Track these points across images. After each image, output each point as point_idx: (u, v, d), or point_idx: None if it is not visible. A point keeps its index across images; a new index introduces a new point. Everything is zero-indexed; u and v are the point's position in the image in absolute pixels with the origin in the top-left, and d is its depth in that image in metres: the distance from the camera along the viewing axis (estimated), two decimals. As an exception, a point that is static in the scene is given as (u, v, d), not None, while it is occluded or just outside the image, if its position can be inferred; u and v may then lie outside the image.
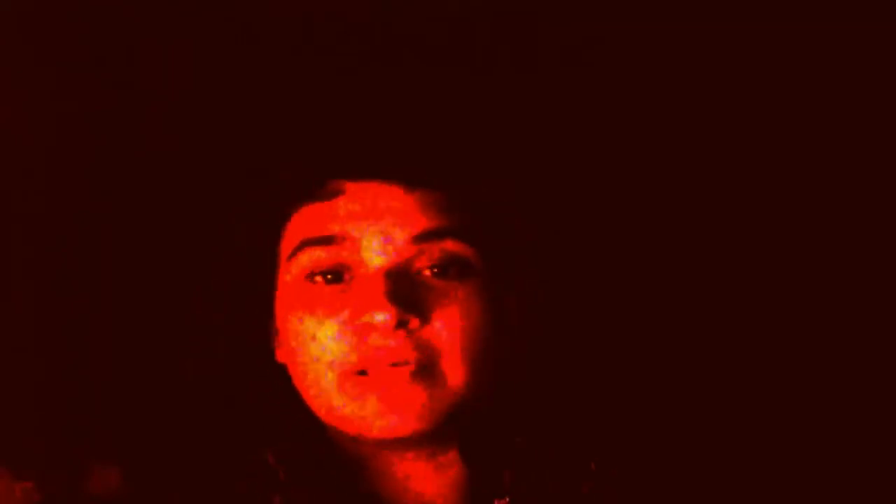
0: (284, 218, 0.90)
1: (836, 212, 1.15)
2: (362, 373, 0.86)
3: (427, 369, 0.86)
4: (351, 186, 0.88)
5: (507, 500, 0.89)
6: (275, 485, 0.89)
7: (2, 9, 1.05)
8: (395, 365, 0.85)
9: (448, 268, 0.88)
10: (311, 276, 0.88)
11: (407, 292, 0.86)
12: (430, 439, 0.88)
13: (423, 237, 0.87)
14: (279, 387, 0.91)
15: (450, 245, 0.88)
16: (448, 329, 0.86)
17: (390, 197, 0.88)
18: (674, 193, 1.13)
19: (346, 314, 0.86)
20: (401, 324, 0.85)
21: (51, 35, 1.06)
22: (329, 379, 0.86)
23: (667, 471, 0.97)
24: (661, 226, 1.13)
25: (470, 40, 1.10)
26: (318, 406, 0.88)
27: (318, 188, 0.89)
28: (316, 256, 0.88)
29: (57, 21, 1.07)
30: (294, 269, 0.89)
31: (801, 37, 1.14)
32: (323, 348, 0.86)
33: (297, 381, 0.90)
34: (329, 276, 0.88)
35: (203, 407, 0.97)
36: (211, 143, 1.07)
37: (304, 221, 0.89)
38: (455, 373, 0.86)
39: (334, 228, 0.88)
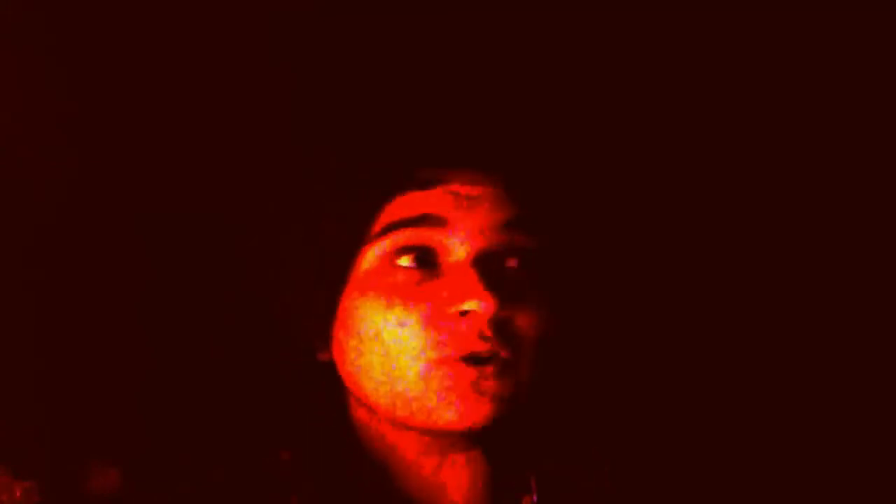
0: (377, 208, 0.89)
1: (855, 213, 1.15)
2: (447, 364, 0.84)
3: (511, 365, 0.85)
4: (446, 175, 0.88)
5: (535, 499, 0.89)
6: (292, 484, 0.89)
7: (2, 9, 1.05)
8: (484, 360, 0.84)
9: (529, 262, 0.87)
10: (399, 252, 0.87)
11: (501, 284, 0.85)
12: (477, 435, 0.87)
13: (512, 225, 0.87)
14: (297, 386, 0.92)
15: (531, 240, 0.88)
16: (531, 322, 0.86)
17: (484, 187, 0.87)
18: (724, 201, 1.14)
19: (438, 301, 0.85)
20: (499, 312, 0.84)
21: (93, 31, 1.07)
22: (414, 368, 0.85)
23: (690, 472, 0.97)
24: (707, 234, 1.13)
25: (565, 39, 1.09)
26: (387, 396, 0.86)
27: (414, 177, 0.88)
28: (406, 235, 0.87)
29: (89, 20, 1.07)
30: (380, 248, 0.87)
31: (804, 36, 1.14)
32: (412, 335, 0.85)
33: (355, 373, 0.88)
34: (417, 261, 0.87)
35: (221, 406, 0.98)
36: (299, 135, 1.06)
37: (398, 208, 0.88)
38: (529, 366, 0.86)
39: (429, 209, 0.87)
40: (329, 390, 0.93)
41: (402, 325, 0.85)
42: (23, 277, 1.04)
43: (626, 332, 1.07)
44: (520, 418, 0.88)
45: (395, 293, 0.86)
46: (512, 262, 0.87)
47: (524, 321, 0.86)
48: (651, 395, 1.08)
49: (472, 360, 0.84)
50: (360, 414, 0.91)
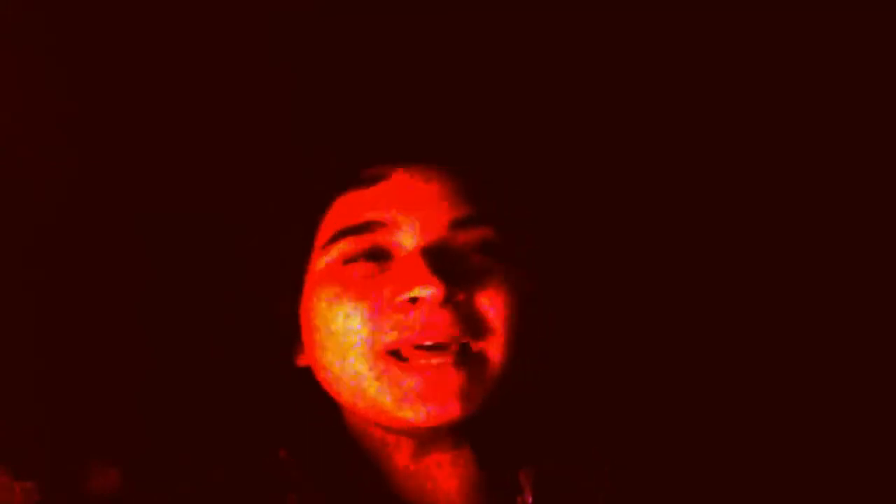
0: (323, 208, 0.88)
1: (849, 211, 1.15)
2: (402, 358, 0.83)
3: (470, 351, 0.83)
4: (390, 172, 0.87)
5: (530, 499, 0.88)
6: (289, 483, 0.88)
7: (2, 9, 1.05)
8: (438, 347, 0.82)
9: (488, 249, 0.86)
10: (347, 261, 0.86)
11: (451, 267, 0.83)
12: (459, 432, 0.85)
13: (462, 222, 0.86)
14: (295, 389, 0.91)
15: (486, 232, 0.86)
16: (494, 305, 0.84)
17: (429, 182, 0.86)
18: (701, 190, 1.13)
19: (386, 292, 0.84)
20: (448, 297, 0.82)
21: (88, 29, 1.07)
22: (365, 364, 0.83)
23: (684, 470, 0.97)
24: (687, 225, 1.13)
25: (512, 27, 1.09)
26: (350, 395, 0.85)
27: (356, 175, 0.87)
28: (353, 243, 0.86)
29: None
30: (330, 255, 0.87)
31: (802, 35, 1.14)
32: (360, 326, 0.83)
33: (324, 376, 0.87)
34: (367, 256, 0.85)
35: (217, 406, 0.98)
36: (247, 134, 1.07)
37: (342, 211, 0.87)
38: (499, 353, 0.84)
39: (373, 215, 0.86)
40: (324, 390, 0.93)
41: (348, 316, 0.84)
42: (23, 277, 1.04)
43: (615, 326, 1.06)
44: (506, 415, 0.87)
45: (345, 288, 0.85)
46: (467, 250, 0.85)
47: (486, 303, 0.83)
48: (650, 393, 1.08)
49: (428, 349, 0.82)
50: (346, 414, 0.91)
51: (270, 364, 0.94)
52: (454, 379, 0.82)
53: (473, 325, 0.83)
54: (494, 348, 0.84)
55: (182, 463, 0.93)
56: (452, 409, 0.82)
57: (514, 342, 0.84)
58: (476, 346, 0.83)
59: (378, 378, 0.83)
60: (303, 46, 1.08)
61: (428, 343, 0.82)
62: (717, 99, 1.13)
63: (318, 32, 1.08)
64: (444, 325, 0.82)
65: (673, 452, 0.99)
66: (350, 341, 0.84)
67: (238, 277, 1.00)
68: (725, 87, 1.13)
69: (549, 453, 0.90)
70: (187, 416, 1.01)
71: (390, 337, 0.83)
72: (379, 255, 0.86)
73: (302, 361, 0.91)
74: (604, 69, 1.11)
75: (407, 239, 0.85)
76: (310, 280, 0.88)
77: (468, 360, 0.83)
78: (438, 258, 0.83)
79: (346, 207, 0.87)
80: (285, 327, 0.91)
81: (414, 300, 0.82)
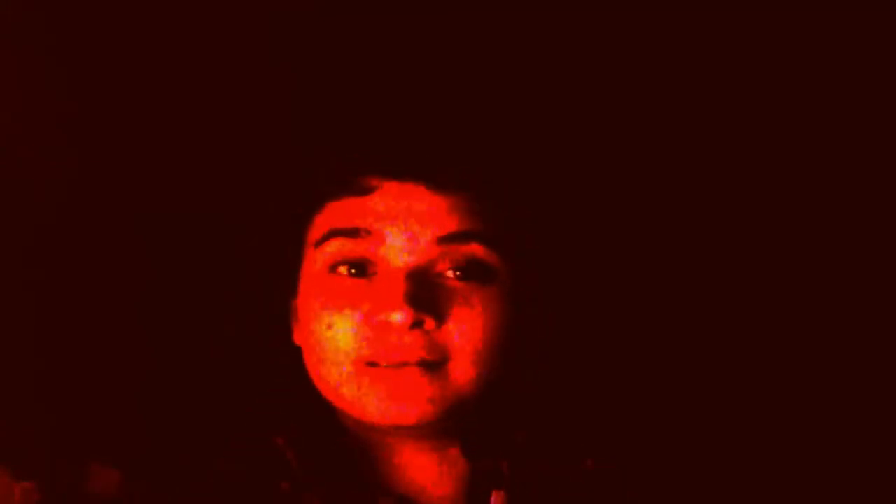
0: (315, 209, 0.91)
1: (837, 211, 1.15)
2: (373, 364, 0.88)
3: (435, 367, 0.87)
4: (383, 184, 0.89)
5: (504, 492, 0.90)
6: (284, 470, 0.91)
7: (2, 9, 1.05)
8: (404, 364, 0.87)
9: (470, 271, 0.89)
10: (334, 266, 0.89)
11: (426, 294, 0.87)
12: (432, 431, 0.90)
13: (449, 239, 0.88)
14: (291, 371, 0.93)
15: (474, 249, 0.89)
16: (461, 332, 0.88)
17: (420, 197, 0.89)
18: (695, 205, 1.14)
19: (365, 309, 0.88)
20: (416, 324, 0.87)
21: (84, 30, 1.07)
22: (343, 368, 0.88)
23: (663, 467, 0.97)
24: (678, 237, 1.13)
25: (507, 48, 1.10)
26: (328, 390, 0.90)
27: (350, 184, 0.90)
28: (341, 246, 0.89)
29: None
30: (320, 257, 0.90)
31: (801, 34, 1.14)
32: (340, 339, 0.88)
33: (310, 365, 0.91)
34: (353, 270, 0.89)
35: (207, 405, 0.98)
36: (248, 137, 1.07)
37: (334, 214, 0.90)
38: (462, 373, 0.88)
39: (362, 223, 0.89)
40: None
41: (330, 328, 0.89)
42: (23, 277, 1.04)
43: (603, 331, 1.07)
44: (492, 413, 0.91)
45: (330, 299, 0.89)
46: (448, 272, 0.89)
47: (454, 329, 0.88)
48: (635, 391, 1.08)
49: (397, 366, 0.87)
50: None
51: (268, 347, 0.95)
52: (417, 387, 0.87)
53: (439, 348, 0.88)
54: (459, 368, 0.88)
55: (182, 464, 0.93)
56: (414, 414, 0.87)
57: (482, 363, 0.89)
58: (442, 364, 0.88)
59: (352, 381, 0.88)
60: (305, 52, 1.08)
61: (395, 360, 0.88)
62: (700, 109, 1.13)
63: (322, 42, 1.09)
64: (411, 348, 0.87)
65: (656, 452, 0.99)
66: (330, 349, 0.89)
67: (236, 272, 1.01)
68: (704, 97, 1.13)
69: (531, 448, 0.93)
70: (187, 416, 1.02)
71: (367, 351, 0.88)
72: (365, 267, 0.89)
73: (298, 339, 0.94)
74: (594, 92, 1.12)
75: (393, 254, 0.88)
76: (303, 282, 0.92)
77: (434, 372, 0.88)
78: (417, 281, 0.87)
79: (338, 211, 0.90)
80: (284, 309, 0.95)
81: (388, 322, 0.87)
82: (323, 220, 0.91)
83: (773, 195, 1.14)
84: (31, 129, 1.05)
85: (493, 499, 0.91)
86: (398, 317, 0.86)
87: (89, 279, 1.07)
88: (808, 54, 1.14)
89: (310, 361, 0.91)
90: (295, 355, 0.93)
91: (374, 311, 0.87)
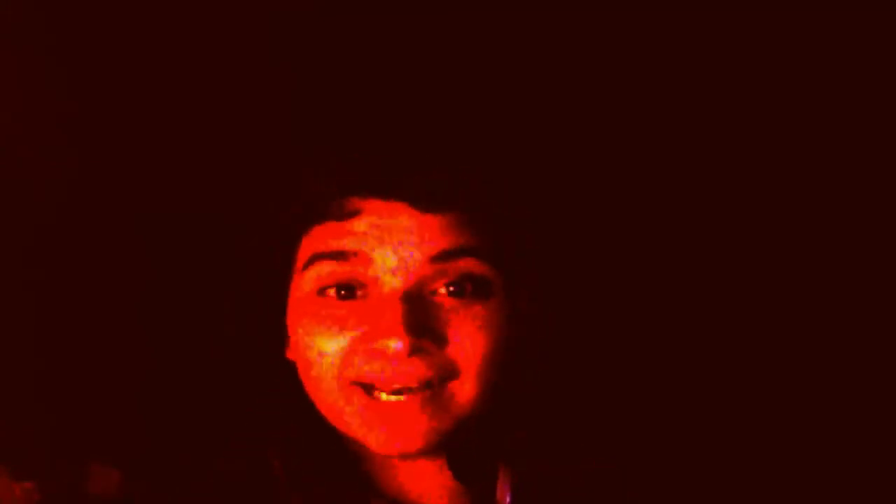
0: (302, 232, 0.89)
1: (837, 212, 1.15)
2: (370, 388, 0.86)
3: (437, 393, 0.86)
4: (368, 206, 0.87)
5: (508, 500, 0.89)
6: (277, 483, 0.90)
7: (2, 9, 1.05)
8: (403, 391, 0.85)
9: (465, 287, 0.87)
10: (322, 289, 0.87)
11: (422, 318, 0.85)
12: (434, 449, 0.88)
13: (440, 257, 0.86)
14: (285, 383, 0.91)
15: (467, 264, 0.87)
16: (462, 350, 0.86)
17: (408, 217, 0.86)
18: (688, 209, 1.14)
19: (358, 333, 0.86)
20: (415, 351, 0.84)
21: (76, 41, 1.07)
22: (337, 391, 0.86)
23: (663, 467, 0.97)
24: (672, 243, 1.13)
25: (493, 64, 1.10)
26: (324, 408, 0.88)
27: (335, 207, 0.87)
28: (328, 270, 0.87)
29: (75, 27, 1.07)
30: (306, 281, 0.88)
31: (800, 35, 1.14)
32: (332, 363, 0.86)
33: (304, 381, 0.89)
34: (342, 292, 0.87)
35: (207, 405, 0.98)
36: (232, 158, 1.07)
37: (319, 237, 0.88)
38: (465, 392, 0.86)
39: (349, 245, 0.86)
40: None
41: (323, 353, 0.86)
42: (23, 277, 1.04)
43: (602, 337, 1.07)
44: (485, 430, 0.89)
45: (321, 323, 0.87)
46: (442, 290, 0.86)
47: (456, 348, 0.86)
48: (634, 392, 1.08)
49: (398, 392, 0.86)
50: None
51: (262, 359, 0.94)
52: (416, 417, 0.85)
53: (441, 369, 0.86)
54: (462, 389, 0.86)
55: (182, 464, 0.93)
56: (412, 444, 0.86)
57: (486, 380, 0.87)
58: (444, 386, 0.86)
59: (347, 403, 0.87)
60: (287, 72, 1.08)
61: (396, 387, 0.86)
62: (693, 112, 1.13)
63: (304, 62, 1.08)
64: (411, 373, 0.85)
65: (659, 455, 0.99)
66: (323, 376, 0.87)
67: (233, 275, 1.00)
68: (696, 102, 1.13)
69: (532, 455, 0.91)
70: (187, 416, 1.01)
71: (360, 372, 0.86)
72: (355, 288, 0.87)
73: (291, 355, 0.92)
74: (580, 105, 1.12)
75: (385, 276, 0.86)
76: (291, 303, 0.90)
77: (434, 397, 0.86)
78: (413, 305, 0.85)
79: (323, 235, 0.88)
80: (276, 323, 0.93)
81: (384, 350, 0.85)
82: (308, 244, 0.88)
83: (765, 200, 1.14)
84: (31, 129, 1.05)
85: (498, 494, 0.90)
86: (396, 345, 0.84)
87: (89, 279, 1.07)
88: (808, 54, 1.14)
89: (303, 377, 0.89)
90: (287, 367, 0.92)
91: (369, 338, 0.85)
